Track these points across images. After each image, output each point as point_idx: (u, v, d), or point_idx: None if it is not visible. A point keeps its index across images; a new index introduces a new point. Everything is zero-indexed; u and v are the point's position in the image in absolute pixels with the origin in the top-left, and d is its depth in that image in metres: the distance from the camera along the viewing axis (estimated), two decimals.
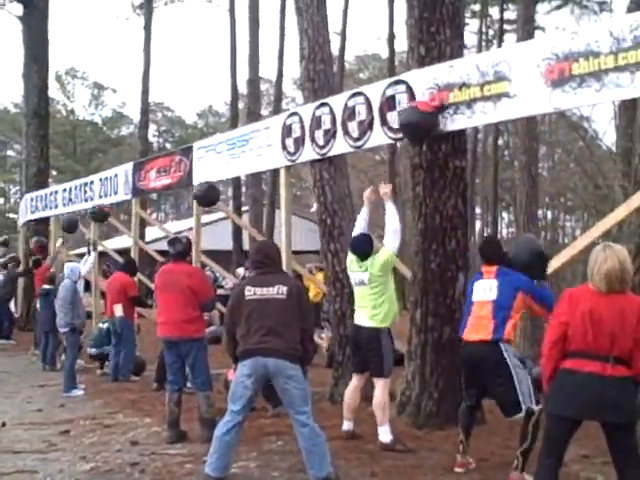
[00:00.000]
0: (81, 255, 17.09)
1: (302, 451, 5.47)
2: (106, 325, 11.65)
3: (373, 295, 6.62)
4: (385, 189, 6.93)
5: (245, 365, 5.52)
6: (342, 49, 29.41)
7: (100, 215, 14.43)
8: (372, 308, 6.61)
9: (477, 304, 5.69)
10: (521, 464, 5.34)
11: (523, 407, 5.40)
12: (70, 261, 12.74)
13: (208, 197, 11.18)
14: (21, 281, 18.11)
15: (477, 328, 5.61)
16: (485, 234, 41.53)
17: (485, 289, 5.66)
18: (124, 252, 17.23)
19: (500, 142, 33.73)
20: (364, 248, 6.73)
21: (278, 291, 5.58)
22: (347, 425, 6.84)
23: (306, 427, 5.43)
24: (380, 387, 6.54)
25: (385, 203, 6.88)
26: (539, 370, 5.56)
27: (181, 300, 6.94)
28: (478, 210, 40.76)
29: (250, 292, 5.62)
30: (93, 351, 11.63)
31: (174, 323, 6.93)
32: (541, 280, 5.88)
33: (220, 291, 17.59)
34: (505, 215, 46.67)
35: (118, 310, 10.70)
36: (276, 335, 5.47)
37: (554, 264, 7.07)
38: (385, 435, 6.38)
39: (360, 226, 7.10)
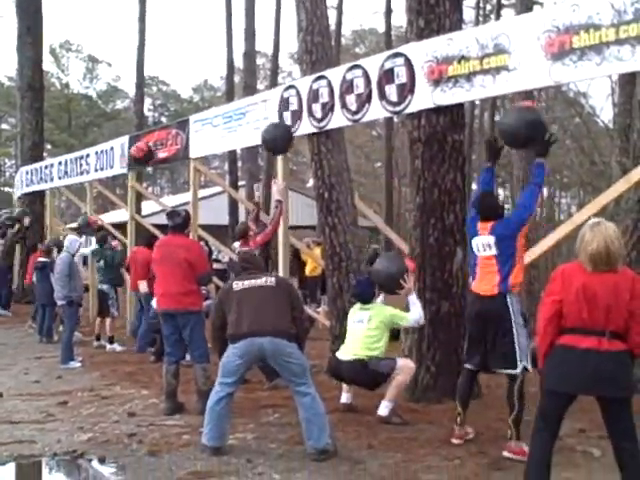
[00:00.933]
0: (77, 229, 17.01)
1: (302, 422, 5.52)
2: (102, 262, 11.65)
3: (368, 334, 6.53)
4: (408, 285, 6.69)
5: (237, 347, 5.57)
6: (339, 24, 29.18)
7: (89, 229, 14.13)
8: (361, 346, 6.51)
9: (481, 259, 5.73)
10: (515, 433, 5.41)
11: (519, 364, 5.45)
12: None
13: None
14: (18, 254, 18.08)
15: (485, 282, 5.67)
16: None
17: (485, 245, 5.68)
18: (121, 226, 17.20)
19: (497, 118, 33.61)
20: (366, 293, 6.77)
21: (266, 281, 5.78)
22: (345, 397, 6.87)
23: (307, 396, 5.51)
24: (406, 370, 6.50)
25: (408, 296, 6.71)
26: (534, 345, 5.59)
27: (178, 273, 6.94)
28: (474, 187, 40.75)
29: (238, 285, 5.79)
30: (105, 287, 11.65)
31: (171, 295, 6.94)
32: (541, 156, 5.87)
33: (217, 265, 17.60)
34: (501, 191, 46.65)
35: (143, 286, 10.71)
36: (269, 316, 5.57)
37: (553, 238, 7.09)
38: (384, 409, 6.41)
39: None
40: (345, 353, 6.62)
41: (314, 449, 5.41)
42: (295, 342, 5.65)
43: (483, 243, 5.71)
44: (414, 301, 6.64)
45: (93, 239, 12.80)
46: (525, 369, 5.50)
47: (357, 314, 6.74)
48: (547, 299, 4.33)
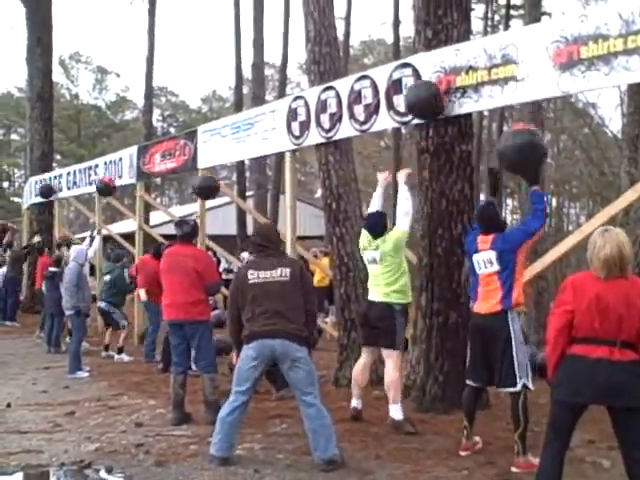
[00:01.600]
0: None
1: (308, 432, 5.50)
2: (109, 276, 11.65)
3: (385, 274, 6.60)
4: (403, 172, 6.91)
5: (251, 348, 5.54)
6: (347, 34, 29.27)
7: (106, 190, 14.34)
8: (385, 286, 6.60)
9: (483, 277, 5.69)
10: (521, 448, 5.38)
11: (519, 382, 5.42)
12: (75, 244, 12.75)
13: (206, 189, 11.09)
14: (26, 264, 18.16)
15: (488, 299, 5.63)
16: None
17: (485, 261, 5.65)
18: (128, 236, 17.24)
19: (505, 128, 33.59)
20: (377, 225, 6.75)
21: (281, 274, 5.63)
22: (355, 402, 6.84)
23: (313, 407, 5.47)
24: (392, 362, 6.50)
25: (400, 185, 6.85)
26: (544, 356, 5.57)
27: (186, 282, 6.94)
28: (482, 197, 40.70)
29: (253, 276, 5.65)
30: (102, 305, 11.65)
31: (179, 305, 6.94)
32: (534, 184, 5.77)
33: (228, 276, 17.60)
34: (510, 202, 46.58)
35: (142, 295, 10.76)
36: (281, 317, 5.51)
37: (562, 248, 7.07)
38: (397, 413, 6.38)
39: (375, 204, 7.06)
40: (374, 294, 6.71)
41: (321, 460, 5.38)
42: (306, 346, 5.61)
43: (484, 260, 5.67)
44: (404, 190, 6.81)
45: (96, 239, 12.63)
46: (525, 386, 5.46)
47: (369, 253, 6.77)
48: (558, 309, 4.30)
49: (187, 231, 7.23)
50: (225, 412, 5.60)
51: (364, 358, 6.86)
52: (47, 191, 17.06)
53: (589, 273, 4.25)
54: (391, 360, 6.52)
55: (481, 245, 5.72)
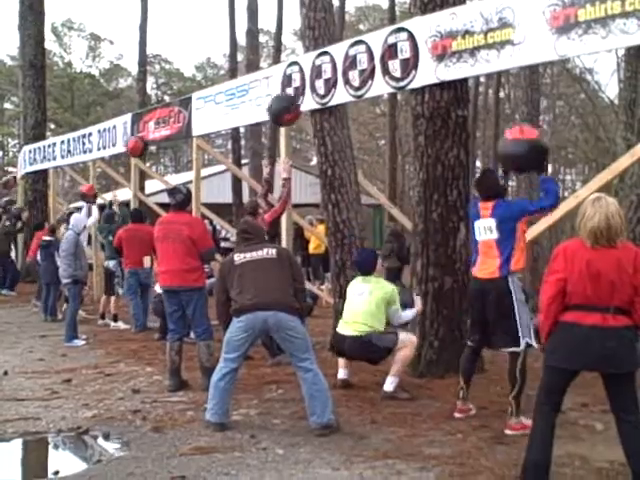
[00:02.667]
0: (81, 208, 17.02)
1: (305, 397, 5.54)
2: (111, 237, 11.55)
3: (368, 306, 6.55)
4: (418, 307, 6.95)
5: (241, 321, 5.57)
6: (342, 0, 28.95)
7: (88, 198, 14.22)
8: (362, 323, 6.52)
9: (482, 244, 5.71)
10: (515, 409, 5.43)
11: (522, 341, 5.45)
12: (71, 213, 12.70)
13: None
14: (21, 234, 18.15)
15: (486, 266, 5.65)
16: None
17: (486, 228, 5.66)
18: (124, 204, 17.19)
19: (501, 95, 33.43)
20: (367, 263, 6.84)
21: (267, 252, 5.74)
22: (343, 373, 6.88)
23: (309, 372, 5.52)
24: (406, 345, 6.50)
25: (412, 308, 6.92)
26: (537, 322, 5.58)
27: (181, 250, 6.93)
28: (478, 163, 40.60)
29: (240, 257, 5.75)
30: (111, 265, 11.68)
31: (174, 272, 6.94)
32: (542, 174, 5.76)
33: (226, 244, 17.59)
34: (510, 183, 46.52)
35: (147, 262, 10.70)
36: (271, 290, 5.57)
37: (556, 215, 7.06)
38: (390, 385, 6.43)
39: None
40: (346, 328, 6.63)
41: (317, 424, 5.43)
42: (298, 316, 5.65)
43: (485, 226, 5.68)
44: (413, 312, 6.85)
45: (94, 210, 12.55)
46: (528, 345, 5.50)
47: (358, 286, 6.75)
48: (550, 277, 4.30)
49: (180, 199, 7.20)
50: (216, 378, 5.67)
51: None
52: None
53: (580, 241, 4.24)
54: (405, 345, 6.50)
55: (482, 212, 5.72)
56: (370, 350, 6.48)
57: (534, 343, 5.52)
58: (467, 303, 6.42)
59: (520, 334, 5.46)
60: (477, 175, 6.23)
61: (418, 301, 6.99)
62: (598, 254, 4.14)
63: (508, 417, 5.46)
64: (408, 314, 6.80)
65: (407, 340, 6.54)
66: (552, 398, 4.34)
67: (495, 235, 5.60)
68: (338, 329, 6.78)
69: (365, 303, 6.57)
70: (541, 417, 4.36)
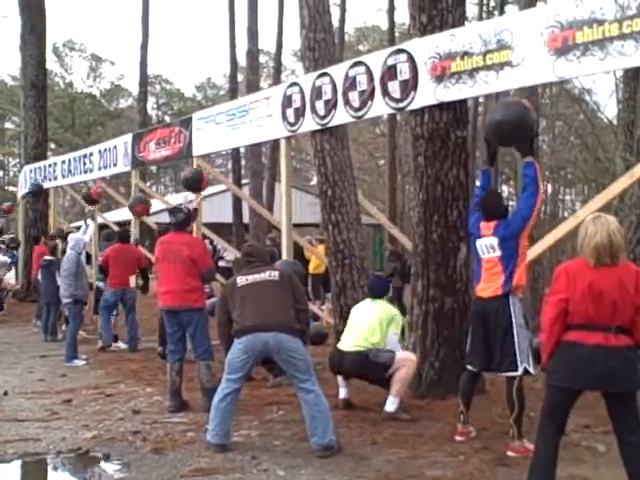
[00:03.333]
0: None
1: (306, 418, 5.53)
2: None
3: (371, 324, 6.58)
4: None
5: (242, 342, 5.58)
6: (342, 20, 29.16)
7: (89, 198, 14.43)
8: (364, 338, 6.54)
9: (486, 262, 5.72)
10: (517, 432, 5.41)
11: (520, 366, 5.44)
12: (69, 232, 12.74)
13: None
14: (22, 252, 18.19)
15: (489, 284, 5.66)
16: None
17: (488, 247, 5.68)
18: (124, 224, 17.23)
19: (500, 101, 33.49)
20: (377, 289, 6.90)
21: (270, 275, 5.77)
22: (343, 393, 6.86)
23: (311, 393, 5.51)
24: (406, 365, 6.50)
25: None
26: (538, 342, 5.58)
27: (181, 270, 6.94)
28: (478, 183, 40.62)
29: (242, 279, 5.78)
30: (101, 285, 11.65)
31: (174, 293, 6.94)
32: (528, 155, 5.67)
33: (221, 263, 17.60)
34: (505, 188, 46.55)
35: (133, 281, 10.76)
36: (273, 312, 5.58)
37: (557, 234, 7.08)
38: (390, 405, 6.41)
39: None
40: (346, 344, 6.65)
41: (318, 445, 5.41)
42: (299, 337, 5.65)
43: (487, 245, 5.70)
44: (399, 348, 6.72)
45: (90, 226, 12.54)
46: (526, 371, 5.49)
47: (363, 306, 6.82)
48: (552, 298, 4.30)
49: (181, 219, 7.21)
50: (218, 399, 5.65)
51: None
52: (38, 190, 17.19)
53: (582, 260, 4.25)
54: (404, 364, 6.50)
55: (484, 231, 5.74)
56: (367, 366, 6.46)
57: (532, 370, 5.51)
58: (468, 324, 6.41)
59: (518, 359, 5.45)
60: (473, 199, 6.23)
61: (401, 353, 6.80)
62: (600, 274, 4.14)
63: (510, 439, 5.45)
64: (396, 347, 6.71)
65: (406, 359, 6.54)
66: (555, 419, 4.33)
67: (498, 253, 5.62)
68: (339, 345, 6.78)
69: (368, 319, 6.60)
70: (544, 439, 4.34)
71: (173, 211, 7.31)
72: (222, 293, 6.09)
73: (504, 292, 5.56)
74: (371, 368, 6.48)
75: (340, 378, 6.88)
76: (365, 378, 6.73)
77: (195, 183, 11.20)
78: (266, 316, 5.55)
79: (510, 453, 5.38)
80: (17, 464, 5.55)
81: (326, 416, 5.48)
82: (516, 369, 5.46)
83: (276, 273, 5.82)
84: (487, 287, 5.69)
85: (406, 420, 6.31)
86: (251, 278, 5.76)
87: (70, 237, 11.13)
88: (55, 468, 5.58)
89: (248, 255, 6.07)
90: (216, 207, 26.37)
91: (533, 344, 6.65)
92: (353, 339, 6.61)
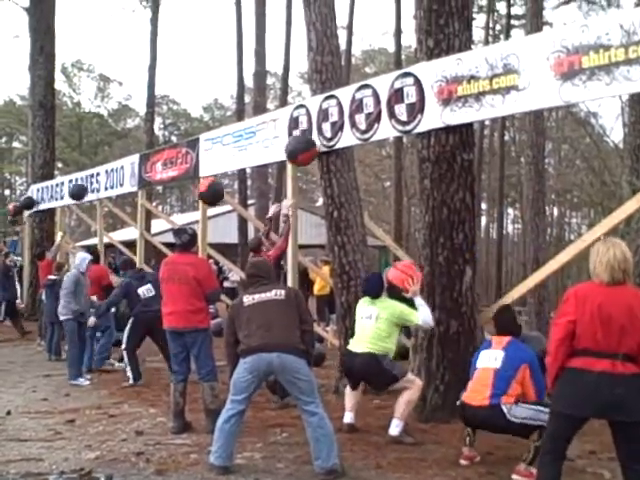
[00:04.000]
0: (87, 247, 17.14)
1: (310, 441, 5.49)
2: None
3: (376, 332, 6.52)
4: (413, 288, 6.70)
5: (247, 362, 5.56)
6: (349, 43, 29.39)
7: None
8: (371, 342, 6.49)
9: (480, 371, 5.69)
10: (531, 457, 5.33)
11: (543, 421, 5.31)
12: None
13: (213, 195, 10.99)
14: (27, 271, 18.24)
15: (475, 394, 5.60)
16: (490, 229, 41.62)
17: (490, 357, 5.65)
18: (130, 244, 17.26)
19: (506, 138, 33.65)
20: (374, 288, 6.77)
21: (276, 294, 5.74)
22: (349, 417, 6.81)
23: (315, 416, 5.47)
24: (412, 387, 6.47)
25: (415, 298, 6.72)
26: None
27: (186, 291, 6.93)
28: (484, 206, 40.70)
29: (248, 299, 5.77)
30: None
31: (179, 313, 6.93)
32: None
33: (226, 284, 17.61)
34: (510, 211, 46.62)
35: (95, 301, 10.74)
36: (278, 331, 5.55)
37: (562, 259, 7.07)
38: (395, 428, 6.36)
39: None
40: (357, 346, 6.60)
41: (322, 469, 5.37)
42: (304, 358, 5.62)
43: (491, 356, 5.67)
44: (421, 303, 6.63)
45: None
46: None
47: (366, 309, 6.72)
48: (560, 320, 4.29)
49: (186, 240, 7.22)
50: (222, 420, 5.62)
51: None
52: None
53: (592, 283, 4.25)
54: (411, 386, 6.48)
55: (494, 344, 5.75)
56: (379, 371, 6.40)
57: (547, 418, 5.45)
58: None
59: (541, 418, 5.32)
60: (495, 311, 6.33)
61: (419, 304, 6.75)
62: (610, 297, 4.14)
63: (521, 462, 5.38)
64: (423, 312, 6.57)
65: (414, 381, 6.51)
66: (557, 445, 4.30)
67: (497, 365, 5.57)
68: (349, 347, 6.75)
69: (374, 327, 6.53)
70: (545, 467, 4.32)
71: (178, 232, 7.31)
72: (229, 314, 6.07)
73: (491, 403, 5.47)
74: (381, 374, 6.43)
75: (347, 402, 6.83)
76: (370, 381, 6.67)
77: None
78: (270, 336, 5.53)
79: (515, 477, 5.33)
80: None
81: (330, 439, 5.44)
82: (536, 430, 5.39)
83: (282, 292, 5.80)
84: (473, 396, 5.62)
85: (410, 444, 6.27)
86: (257, 297, 5.74)
87: (77, 256, 11.15)
88: None
89: (253, 276, 6.03)
90: (221, 227, 26.40)
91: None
92: (364, 343, 6.53)
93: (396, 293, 6.70)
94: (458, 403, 5.83)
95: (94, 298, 10.85)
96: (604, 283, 4.19)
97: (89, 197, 15.84)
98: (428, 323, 6.61)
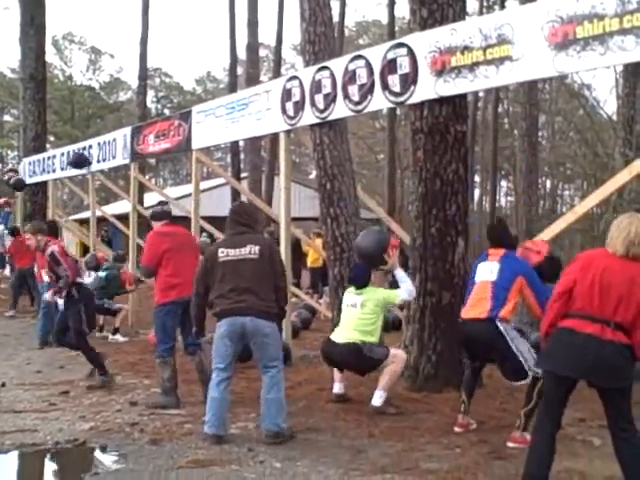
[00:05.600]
0: (80, 220, 17.09)
1: (262, 401, 5.63)
2: (105, 274, 11.63)
3: (361, 320, 6.54)
4: (391, 260, 6.71)
5: (222, 326, 5.64)
6: (342, 14, 29.15)
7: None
8: (355, 330, 6.52)
9: (478, 284, 5.74)
10: (523, 424, 5.43)
11: (529, 373, 5.44)
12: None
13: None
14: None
15: (475, 307, 5.67)
16: (484, 202, 41.64)
17: (487, 270, 5.70)
18: (123, 217, 17.23)
19: (500, 110, 33.54)
20: (361, 278, 6.75)
21: (250, 251, 5.66)
22: (338, 387, 6.86)
23: (272, 379, 5.61)
24: (396, 361, 6.52)
25: (394, 271, 6.75)
26: (537, 335, 5.61)
27: (194, 260, 6.89)
28: (477, 178, 40.69)
29: (223, 254, 5.71)
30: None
31: (190, 283, 6.78)
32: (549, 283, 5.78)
33: None
34: (504, 183, 46.65)
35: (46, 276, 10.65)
36: (251, 294, 5.57)
37: (554, 229, 7.09)
38: (377, 400, 6.42)
39: None
40: (339, 336, 6.64)
41: (267, 431, 5.55)
42: (275, 321, 5.68)
43: (487, 268, 5.71)
44: (401, 275, 6.67)
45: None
46: (535, 375, 5.42)
47: (351, 297, 6.75)
48: (564, 276, 4.37)
49: (169, 210, 7.27)
50: (212, 389, 5.70)
51: None
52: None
53: (605, 250, 4.28)
54: (395, 360, 6.52)
55: (490, 257, 5.79)
56: (360, 359, 6.46)
57: (540, 372, 5.50)
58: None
59: (526, 367, 5.45)
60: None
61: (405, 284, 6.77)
62: (616, 266, 4.17)
63: (515, 430, 5.47)
64: (405, 287, 6.63)
65: (397, 355, 6.56)
66: (552, 409, 4.34)
67: (494, 277, 5.62)
68: (331, 336, 6.79)
69: (358, 315, 6.56)
70: (540, 431, 4.36)
71: (162, 206, 7.33)
72: (202, 263, 5.94)
73: (489, 317, 5.54)
74: (363, 362, 6.48)
75: (336, 373, 6.88)
76: (354, 370, 6.71)
77: None
78: (243, 299, 5.55)
79: (510, 444, 5.40)
80: (14, 455, 5.56)
81: (280, 404, 5.59)
82: (526, 377, 5.47)
83: (257, 249, 5.66)
84: (473, 310, 5.69)
85: (395, 414, 6.32)
86: (232, 254, 5.66)
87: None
88: (52, 459, 5.58)
89: (235, 214, 5.92)
90: (215, 200, 26.33)
91: (532, 338, 6.68)
92: (346, 333, 6.58)
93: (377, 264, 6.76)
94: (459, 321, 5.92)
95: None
96: (617, 254, 4.20)
97: (81, 170, 15.73)
98: (412, 294, 6.71)
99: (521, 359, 5.48)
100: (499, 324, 5.52)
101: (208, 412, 5.65)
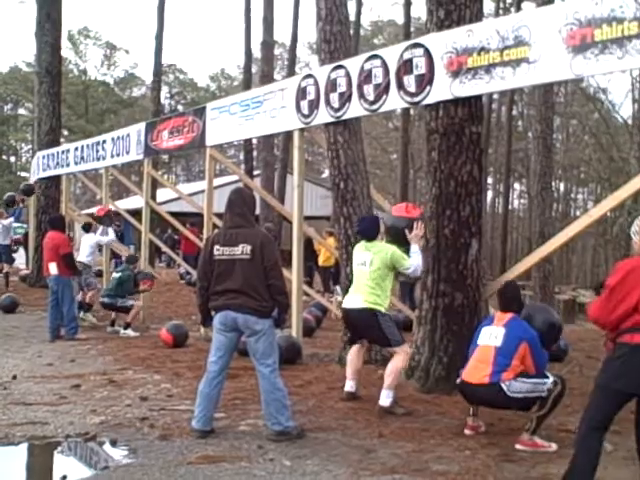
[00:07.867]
0: (91, 215, 17.14)
1: (262, 403, 5.63)
2: (119, 275, 11.72)
3: (371, 279, 6.55)
4: (416, 232, 6.79)
5: (217, 317, 5.72)
6: (358, 14, 29.19)
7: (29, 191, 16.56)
8: (367, 291, 6.54)
9: (480, 348, 5.68)
10: (534, 427, 5.40)
11: (545, 390, 5.41)
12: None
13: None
14: (32, 237, 18.34)
15: (475, 372, 5.60)
16: (496, 204, 41.53)
17: (491, 334, 5.64)
18: (135, 212, 17.27)
19: (514, 112, 33.45)
20: (370, 230, 6.76)
21: (242, 251, 5.63)
22: (349, 386, 6.86)
23: (266, 379, 5.62)
24: (400, 354, 6.53)
25: (413, 243, 6.78)
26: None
27: None
28: (490, 180, 40.60)
29: (219, 251, 5.71)
30: (105, 300, 11.67)
31: None
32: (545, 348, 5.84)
33: None
34: (517, 186, 46.49)
35: (53, 268, 10.70)
36: (243, 294, 5.59)
37: (569, 232, 7.06)
38: (385, 399, 6.40)
39: None
40: (352, 300, 6.67)
41: (271, 430, 5.57)
42: (267, 318, 5.65)
43: (492, 333, 5.66)
44: (416, 250, 6.70)
45: (110, 230, 13.41)
46: (555, 382, 5.44)
47: (360, 255, 6.76)
48: (631, 293, 4.12)
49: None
50: (203, 383, 5.75)
51: (357, 345, 6.96)
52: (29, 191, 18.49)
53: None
54: (398, 353, 6.54)
55: (496, 321, 5.74)
56: (374, 326, 6.46)
57: (553, 381, 5.48)
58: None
59: (540, 391, 5.41)
60: (501, 286, 6.31)
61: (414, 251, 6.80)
62: None
63: (524, 432, 5.45)
64: (415, 258, 6.67)
65: (402, 349, 6.56)
66: (603, 425, 4.24)
67: (498, 342, 5.56)
68: (345, 301, 6.82)
69: (367, 275, 6.57)
70: (588, 446, 4.24)
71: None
72: (202, 256, 5.91)
73: (491, 381, 5.48)
74: (377, 330, 6.48)
75: (348, 370, 6.88)
76: (367, 336, 6.78)
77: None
78: (236, 297, 5.58)
79: (519, 446, 5.39)
80: (24, 447, 5.58)
81: (279, 403, 5.58)
82: (543, 391, 5.42)
83: (248, 249, 5.61)
84: (471, 374, 5.63)
85: (404, 414, 6.31)
86: (226, 253, 5.65)
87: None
88: (62, 452, 5.60)
89: (232, 203, 5.89)
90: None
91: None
92: (359, 295, 6.60)
93: (397, 237, 6.74)
94: (458, 381, 5.85)
95: (53, 266, 10.69)
96: None
97: (95, 165, 15.80)
98: (416, 272, 6.72)
99: (535, 393, 5.41)
100: (504, 386, 5.43)
101: (197, 407, 5.71)
